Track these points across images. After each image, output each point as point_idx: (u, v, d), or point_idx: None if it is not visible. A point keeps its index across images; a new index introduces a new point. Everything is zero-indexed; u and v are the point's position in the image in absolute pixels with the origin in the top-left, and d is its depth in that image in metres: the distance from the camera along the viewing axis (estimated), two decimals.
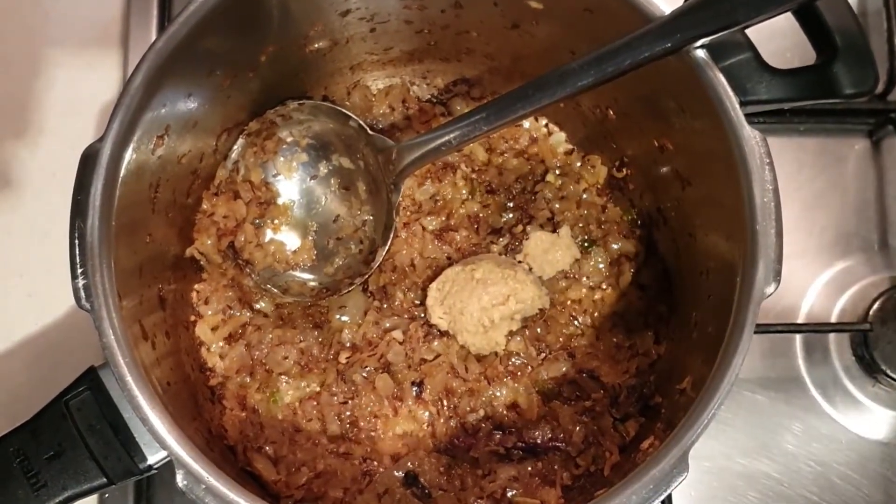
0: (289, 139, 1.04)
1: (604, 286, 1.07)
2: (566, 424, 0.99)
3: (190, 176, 0.97)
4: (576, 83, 0.81)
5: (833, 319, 1.15)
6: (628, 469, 0.80)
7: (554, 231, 1.07)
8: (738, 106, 0.80)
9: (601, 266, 1.06)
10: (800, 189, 1.19)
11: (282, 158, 1.04)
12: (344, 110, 1.04)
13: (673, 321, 1.02)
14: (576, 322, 1.06)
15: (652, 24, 0.79)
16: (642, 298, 1.05)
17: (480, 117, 0.88)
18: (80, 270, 0.79)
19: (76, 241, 0.79)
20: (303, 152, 1.05)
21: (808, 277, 1.17)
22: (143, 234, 0.89)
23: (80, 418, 0.81)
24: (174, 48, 0.83)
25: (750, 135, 0.79)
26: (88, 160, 0.80)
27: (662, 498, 0.75)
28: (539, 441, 0.99)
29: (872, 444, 1.12)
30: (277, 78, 1.00)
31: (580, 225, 1.08)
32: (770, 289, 0.78)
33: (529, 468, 0.98)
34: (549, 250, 1.05)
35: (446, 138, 0.91)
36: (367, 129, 1.02)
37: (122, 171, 0.82)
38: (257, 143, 1.03)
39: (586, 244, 1.07)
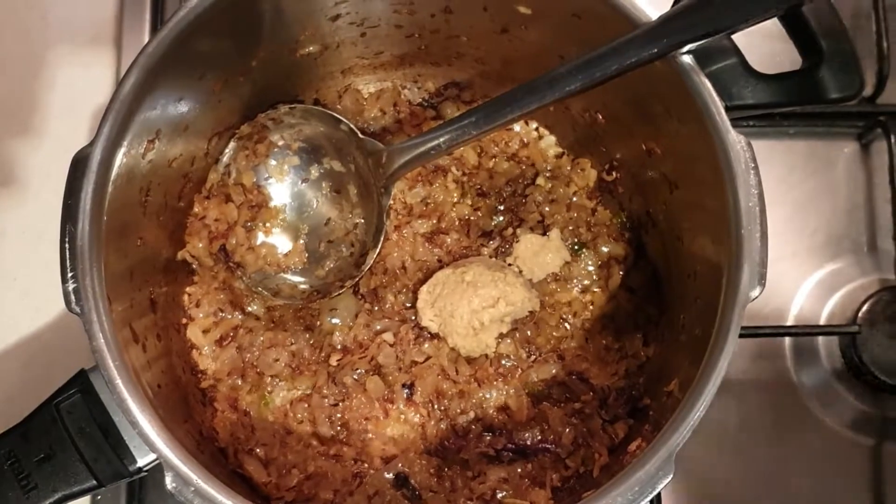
0: (280, 143, 1.04)
1: (593, 289, 1.07)
2: (556, 426, 1.00)
3: (181, 179, 0.97)
4: (564, 88, 0.82)
5: (822, 322, 1.16)
6: (616, 470, 0.81)
7: (544, 234, 1.07)
8: (723, 111, 0.80)
9: (590, 268, 1.07)
10: (789, 192, 1.20)
11: (273, 162, 1.05)
12: (335, 114, 1.04)
13: (661, 323, 1.02)
14: (565, 324, 1.06)
15: (639, 30, 0.79)
16: (631, 301, 1.06)
17: (470, 121, 0.88)
18: (70, 274, 0.79)
19: (66, 245, 0.79)
20: (294, 155, 1.05)
21: (798, 279, 1.18)
22: (134, 238, 0.90)
23: (70, 421, 0.81)
24: (165, 52, 0.83)
25: (735, 139, 0.80)
26: (79, 164, 0.81)
27: (649, 499, 0.76)
28: (529, 443, 1.00)
29: (861, 445, 1.12)
30: (268, 82, 1.01)
31: (570, 228, 1.08)
32: (755, 292, 0.78)
33: (519, 470, 0.98)
34: (540, 253, 1.06)
35: (436, 142, 0.92)
36: (358, 132, 1.02)
37: (113, 175, 0.82)
38: (249, 146, 1.03)
39: (576, 247, 1.08)
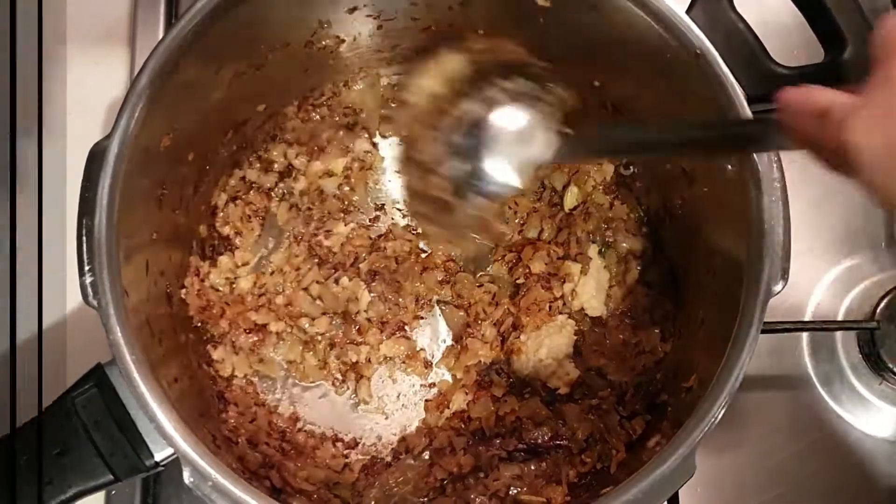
0: None
1: (611, 284, 1.06)
2: (572, 422, 0.99)
3: (197, 173, 0.97)
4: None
5: (840, 317, 1.14)
6: (635, 467, 0.80)
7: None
8: (745, 103, 0.79)
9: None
10: (807, 186, 1.18)
11: None
12: None
13: (679, 319, 1.01)
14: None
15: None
16: (648, 296, 1.05)
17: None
18: (87, 268, 0.79)
19: (83, 239, 0.79)
20: None
21: (815, 275, 1.16)
22: (150, 231, 0.89)
23: (86, 415, 0.81)
24: (181, 45, 0.82)
25: None
26: (96, 157, 0.80)
27: (669, 496, 0.75)
28: (539, 441, 0.99)
29: (879, 441, 1.11)
30: (284, 75, 1.00)
31: (593, 230, 1.07)
32: (777, 287, 0.78)
33: (533, 467, 0.97)
34: (596, 285, 1.05)
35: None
36: None
37: (129, 169, 0.81)
38: None
39: (602, 249, 1.07)
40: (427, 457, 1.01)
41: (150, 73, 0.81)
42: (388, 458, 1.02)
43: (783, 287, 0.77)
